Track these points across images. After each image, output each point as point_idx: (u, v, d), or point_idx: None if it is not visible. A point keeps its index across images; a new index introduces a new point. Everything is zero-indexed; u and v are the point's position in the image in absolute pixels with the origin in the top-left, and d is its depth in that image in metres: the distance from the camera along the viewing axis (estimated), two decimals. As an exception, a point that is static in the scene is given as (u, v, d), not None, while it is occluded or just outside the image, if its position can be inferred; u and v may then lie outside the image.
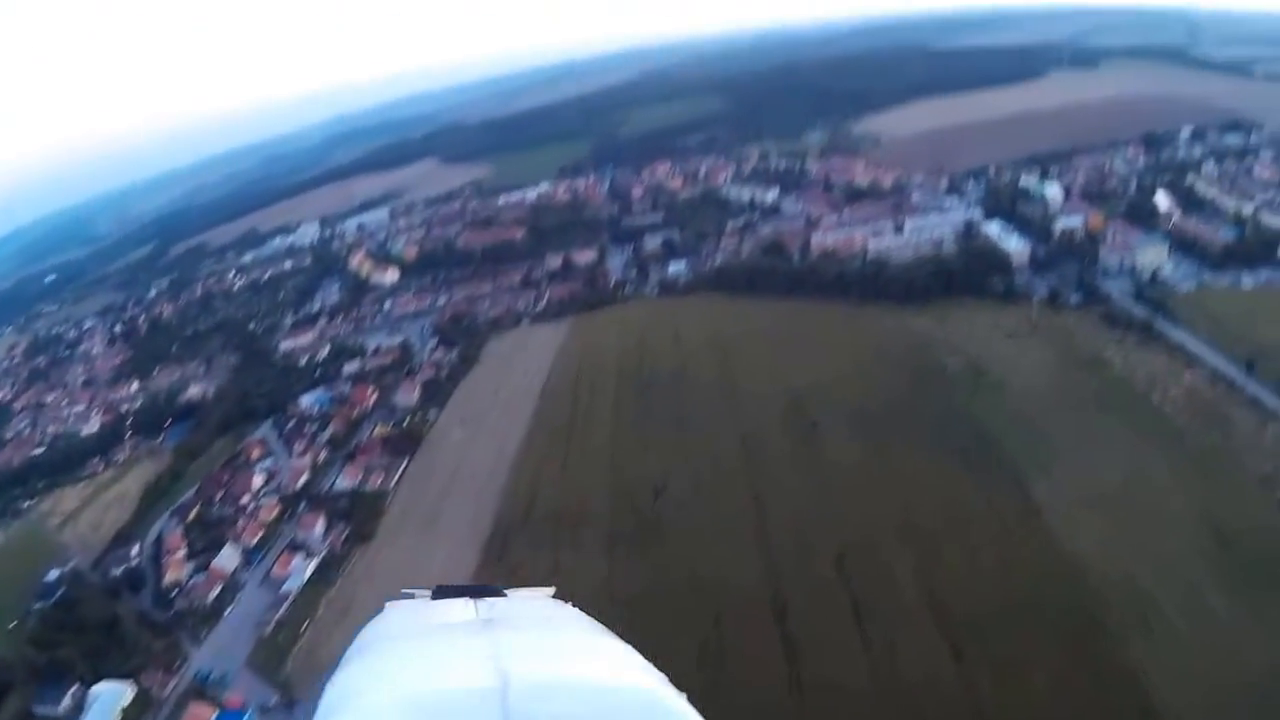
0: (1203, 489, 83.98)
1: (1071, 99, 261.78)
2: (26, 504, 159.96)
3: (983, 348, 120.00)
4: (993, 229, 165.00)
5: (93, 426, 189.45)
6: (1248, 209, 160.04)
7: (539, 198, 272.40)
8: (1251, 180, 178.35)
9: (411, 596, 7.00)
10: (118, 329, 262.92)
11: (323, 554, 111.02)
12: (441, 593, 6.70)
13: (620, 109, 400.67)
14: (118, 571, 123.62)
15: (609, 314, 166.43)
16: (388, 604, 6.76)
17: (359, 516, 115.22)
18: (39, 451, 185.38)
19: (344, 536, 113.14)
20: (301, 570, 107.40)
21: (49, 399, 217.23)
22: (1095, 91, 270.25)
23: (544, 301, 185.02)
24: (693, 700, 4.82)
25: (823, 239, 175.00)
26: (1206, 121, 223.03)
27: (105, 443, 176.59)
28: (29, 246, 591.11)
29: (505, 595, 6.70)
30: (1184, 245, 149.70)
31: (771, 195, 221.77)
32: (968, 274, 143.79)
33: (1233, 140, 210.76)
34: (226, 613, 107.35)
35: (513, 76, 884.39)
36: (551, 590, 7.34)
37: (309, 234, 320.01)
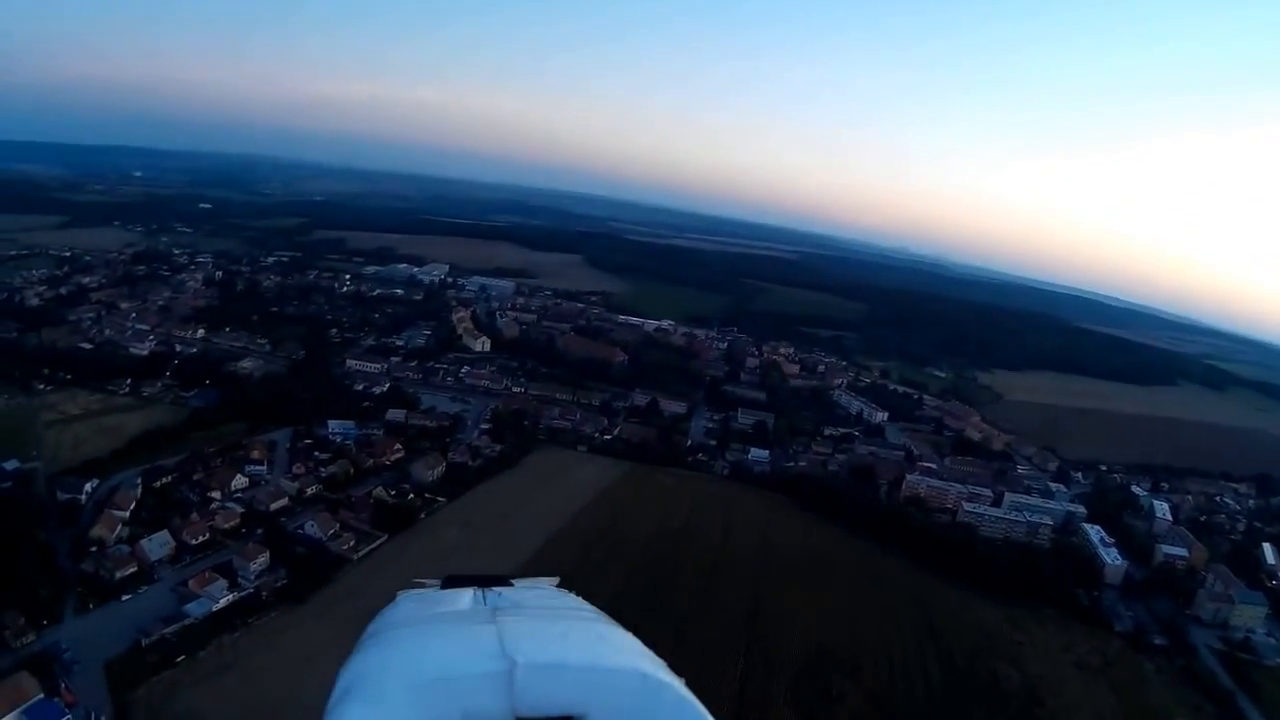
0: None
1: (1195, 416, 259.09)
2: (42, 387, 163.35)
3: (1046, 670, 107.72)
4: (1092, 534, 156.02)
5: (143, 350, 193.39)
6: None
7: (656, 331, 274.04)
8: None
9: (423, 586, 7.19)
10: (219, 276, 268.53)
11: (246, 592, 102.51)
12: (451, 582, 6.86)
13: (765, 280, 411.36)
14: (63, 496, 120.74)
15: (670, 476, 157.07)
16: (400, 593, 6.95)
17: (304, 574, 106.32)
18: (85, 346, 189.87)
19: (277, 586, 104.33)
20: (214, 598, 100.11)
21: (124, 305, 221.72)
22: (1219, 415, 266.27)
23: (612, 435, 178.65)
24: (690, 685, 5.08)
25: (917, 483, 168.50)
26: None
27: (143, 370, 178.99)
28: (209, 170, 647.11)
29: (512, 584, 6.92)
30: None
31: (880, 417, 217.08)
32: (1055, 576, 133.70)
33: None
34: (124, 598, 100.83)
35: (683, 214, 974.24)
36: (556, 580, 7.59)
37: (435, 273, 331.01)
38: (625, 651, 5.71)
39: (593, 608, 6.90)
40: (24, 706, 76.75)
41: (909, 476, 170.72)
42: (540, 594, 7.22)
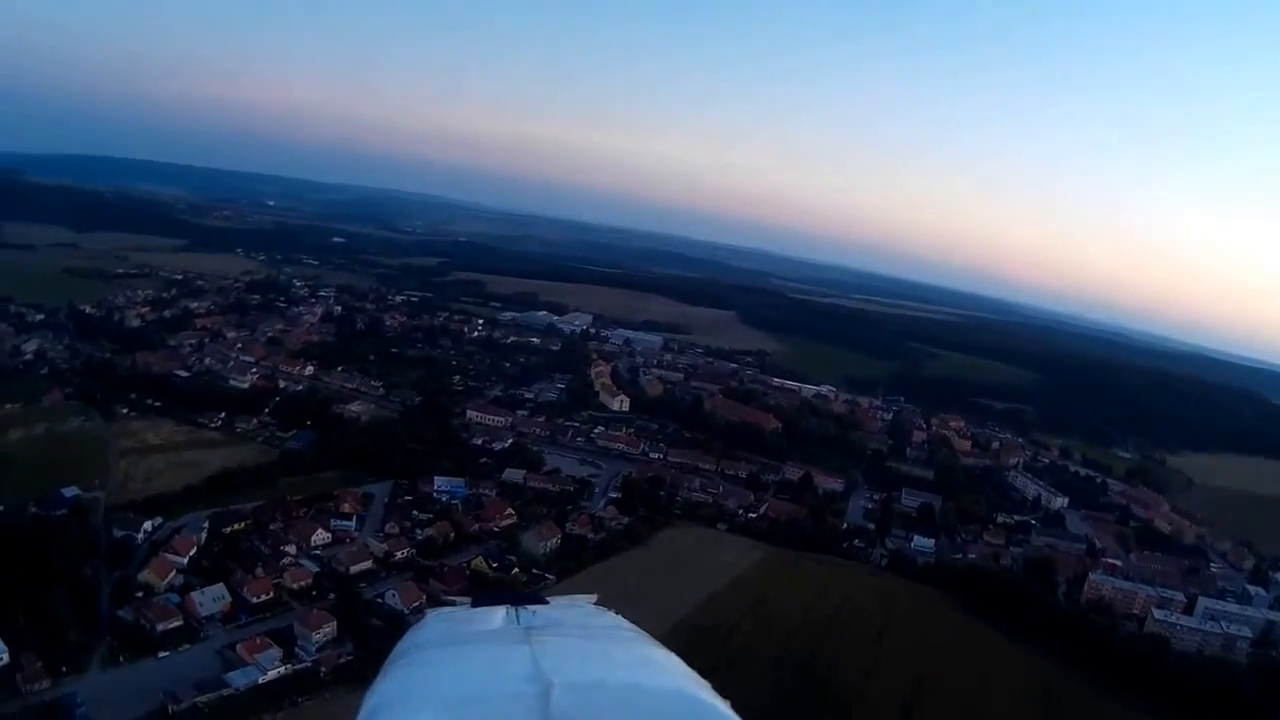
0: None
1: None
2: (125, 412, 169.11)
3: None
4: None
5: (243, 383, 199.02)
6: None
7: (814, 397, 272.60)
8: None
9: (453, 604, 7.65)
10: (338, 311, 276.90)
11: (302, 665, 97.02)
12: (482, 600, 6.91)
13: (934, 345, 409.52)
14: (119, 533, 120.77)
15: (819, 564, 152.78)
16: (429, 612, 7.15)
17: (375, 651, 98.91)
18: (181, 374, 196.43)
19: (341, 662, 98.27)
20: (263, 669, 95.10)
21: (230, 335, 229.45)
22: None
23: (757, 513, 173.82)
24: (736, 707, 5.17)
25: (1101, 583, 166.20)
26: None
27: (240, 404, 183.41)
28: (349, 204, 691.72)
29: (547, 602, 6.95)
30: None
31: (1059, 503, 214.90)
32: (1260, 700, 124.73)
33: None
34: (161, 654, 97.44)
35: (845, 270, 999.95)
36: (594, 597, 7.58)
37: (577, 323, 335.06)
38: (669, 673, 5.74)
39: (634, 627, 6.77)
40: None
41: (1092, 575, 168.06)
42: (577, 612, 7.13)
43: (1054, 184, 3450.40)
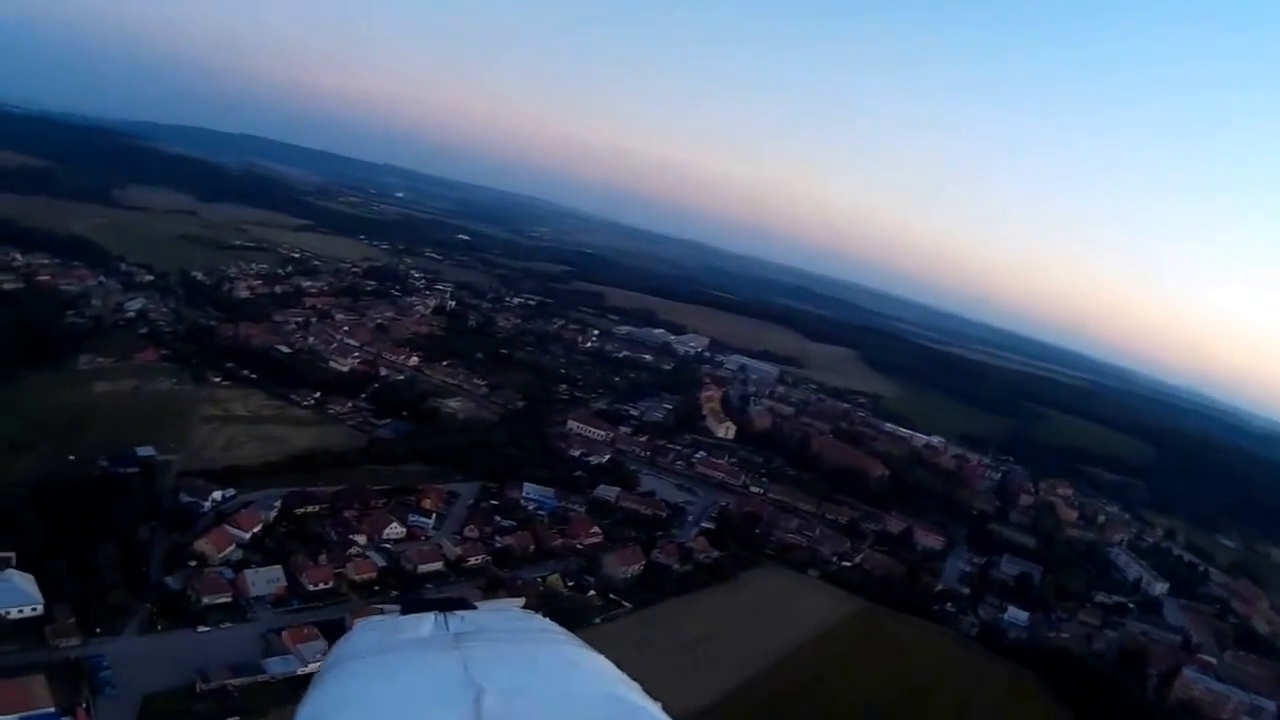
0: None
1: None
2: (217, 379, 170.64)
3: None
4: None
5: (343, 366, 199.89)
6: None
7: (924, 448, 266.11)
8: None
9: (381, 613, 7.63)
10: (452, 306, 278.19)
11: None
12: (410, 607, 7.14)
13: (1050, 406, 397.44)
14: (186, 499, 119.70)
15: (907, 626, 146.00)
16: (357, 621, 7.44)
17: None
18: (281, 349, 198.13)
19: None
20: (303, 660, 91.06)
21: (339, 317, 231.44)
22: None
23: (852, 562, 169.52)
24: (667, 708, 5.38)
25: (1193, 681, 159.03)
26: None
27: (335, 387, 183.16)
28: (479, 204, 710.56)
29: (475, 608, 7.18)
30: None
31: (1159, 588, 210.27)
32: None
33: None
34: (201, 629, 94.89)
35: (972, 323, 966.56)
36: (521, 601, 8.08)
37: (693, 345, 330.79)
38: (598, 676, 5.98)
39: (562, 630, 7.04)
40: (23, 714, 73.02)
41: (1185, 671, 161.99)
42: (505, 617, 7.43)
43: (1186, 258, 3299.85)
